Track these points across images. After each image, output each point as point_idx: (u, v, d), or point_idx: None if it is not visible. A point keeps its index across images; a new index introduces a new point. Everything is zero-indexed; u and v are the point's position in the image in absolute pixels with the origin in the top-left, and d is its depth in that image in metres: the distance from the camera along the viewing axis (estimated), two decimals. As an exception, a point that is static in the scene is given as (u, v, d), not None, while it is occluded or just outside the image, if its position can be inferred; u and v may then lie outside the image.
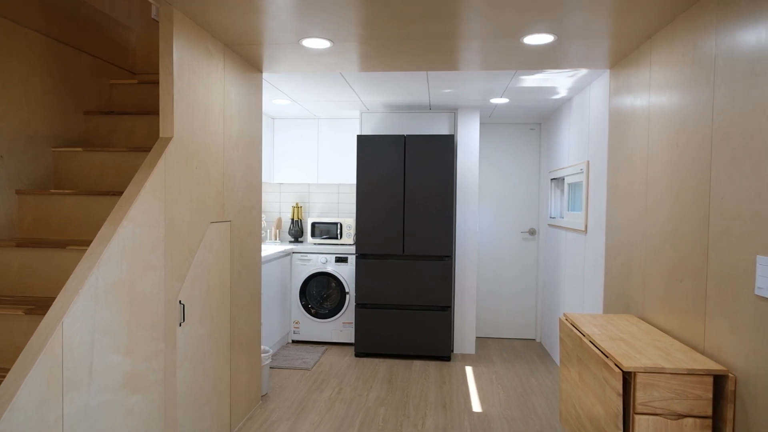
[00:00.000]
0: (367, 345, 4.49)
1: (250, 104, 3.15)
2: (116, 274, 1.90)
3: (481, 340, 5.16)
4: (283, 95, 4.22)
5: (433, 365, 4.32)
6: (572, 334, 2.40)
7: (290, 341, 4.94)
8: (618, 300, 2.97)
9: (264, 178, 5.03)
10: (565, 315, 2.61)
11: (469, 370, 4.20)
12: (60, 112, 2.70)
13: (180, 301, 2.34)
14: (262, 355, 3.50)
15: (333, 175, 5.18)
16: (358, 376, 4.03)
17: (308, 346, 4.77)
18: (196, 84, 2.45)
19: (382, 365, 4.29)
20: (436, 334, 4.42)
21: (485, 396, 3.64)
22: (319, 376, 4.02)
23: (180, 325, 2.35)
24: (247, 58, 3.02)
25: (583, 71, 3.35)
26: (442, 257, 4.42)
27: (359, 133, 4.62)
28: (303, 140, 5.21)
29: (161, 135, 2.25)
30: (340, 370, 4.15)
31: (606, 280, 3.16)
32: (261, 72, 3.32)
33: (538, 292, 5.21)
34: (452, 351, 4.72)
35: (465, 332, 4.67)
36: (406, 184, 4.42)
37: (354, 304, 4.59)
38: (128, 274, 1.97)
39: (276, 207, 5.52)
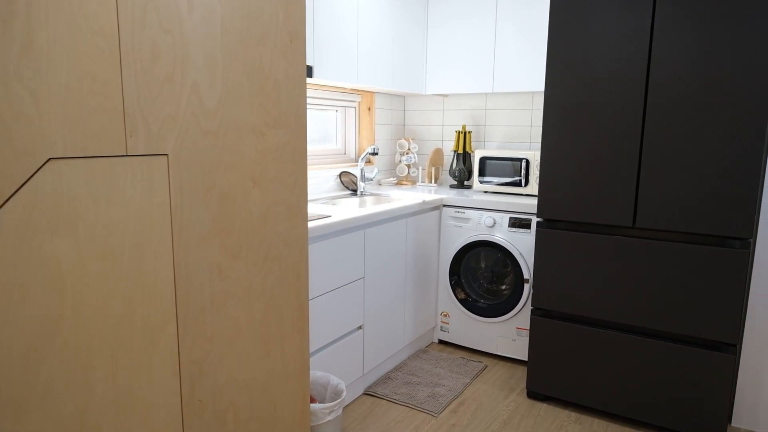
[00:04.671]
0: (549, 382, 2.50)
1: None
2: None
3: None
4: None
5: (680, 455, 2.14)
6: None
7: (435, 341, 3.23)
8: None
9: (409, 88, 3.23)
10: None
11: (769, 497, 1.91)
12: None
13: None
14: (318, 407, 1.89)
15: (520, 80, 3.07)
16: (517, 454, 2.14)
17: (458, 356, 3.01)
18: None
19: (571, 430, 2.30)
20: (695, 389, 2.18)
21: None
22: (445, 435, 2.26)
23: None
24: None
25: None
26: (726, 240, 2.08)
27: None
28: (471, 23, 3.17)
29: None
30: (489, 429, 2.30)
31: None
32: None
33: None
34: (729, 423, 2.41)
35: (766, 395, 2.29)
36: (649, 88, 2.13)
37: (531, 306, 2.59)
38: None
39: (435, 133, 3.68)
